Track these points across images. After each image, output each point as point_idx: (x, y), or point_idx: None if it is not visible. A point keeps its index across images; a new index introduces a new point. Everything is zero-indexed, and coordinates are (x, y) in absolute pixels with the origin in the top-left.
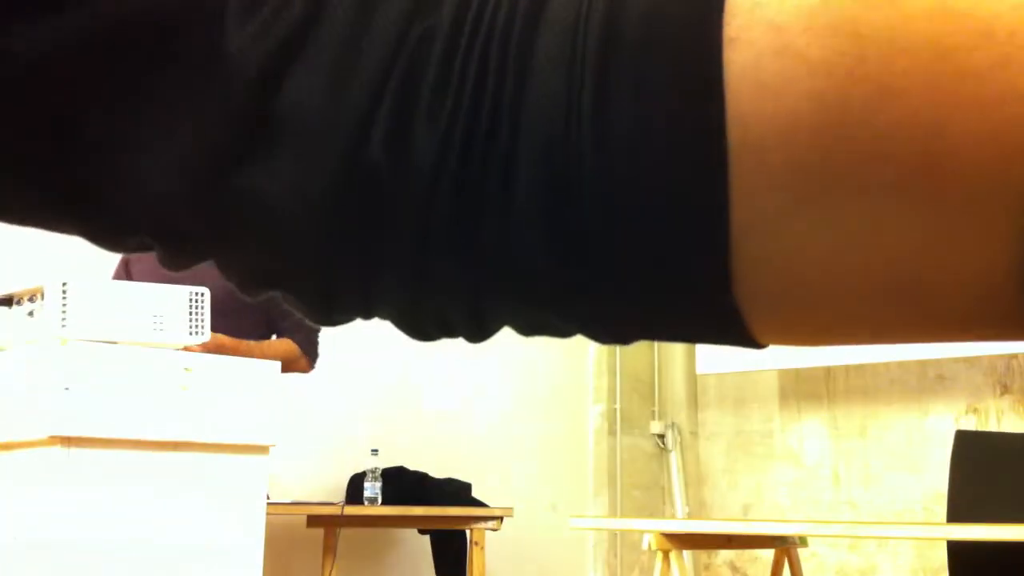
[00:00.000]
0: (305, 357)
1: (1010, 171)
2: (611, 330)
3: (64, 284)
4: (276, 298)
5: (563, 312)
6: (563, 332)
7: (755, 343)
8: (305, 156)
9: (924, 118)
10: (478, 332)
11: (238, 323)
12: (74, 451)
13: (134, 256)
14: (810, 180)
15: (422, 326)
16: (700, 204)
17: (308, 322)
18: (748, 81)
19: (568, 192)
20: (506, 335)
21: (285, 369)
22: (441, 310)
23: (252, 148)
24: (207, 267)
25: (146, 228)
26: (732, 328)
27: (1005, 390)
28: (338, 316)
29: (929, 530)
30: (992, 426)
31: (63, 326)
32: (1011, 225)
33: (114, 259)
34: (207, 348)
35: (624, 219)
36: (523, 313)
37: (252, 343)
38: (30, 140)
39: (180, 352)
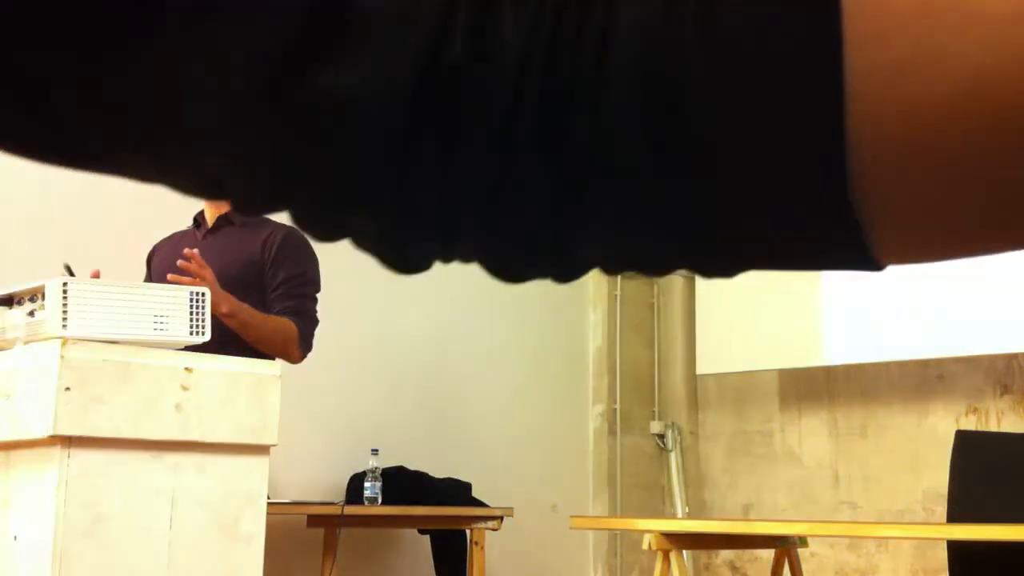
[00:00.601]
0: (300, 343)
1: None
2: (717, 253)
3: (65, 284)
4: (273, 281)
5: (664, 227)
6: (659, 264)
7: (873, 260)
8: (384, 52)
9: None
10: (565, 261)
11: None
12: (74, 451)
13: (156, 246)
14: (924, 31)
15: (506, 255)
16: (810, 69)
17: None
18: None
19: (670, 72)
20: (508, 336)
21: (276, 352)
22: (527, 231)
23: (328, 44)
24: (212, 252)
25: (214, 144)
26: (849, 231)
27: (1005, 390)
28: (414, 251)
29: (929, 530)
30: (992, 426)
31: (64, 326)
32: None
33: (114, 259)
34: (225, 311)
35: (730, 93)
36: (616, 234)
37: (259, 313)
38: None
39: (181, 352)
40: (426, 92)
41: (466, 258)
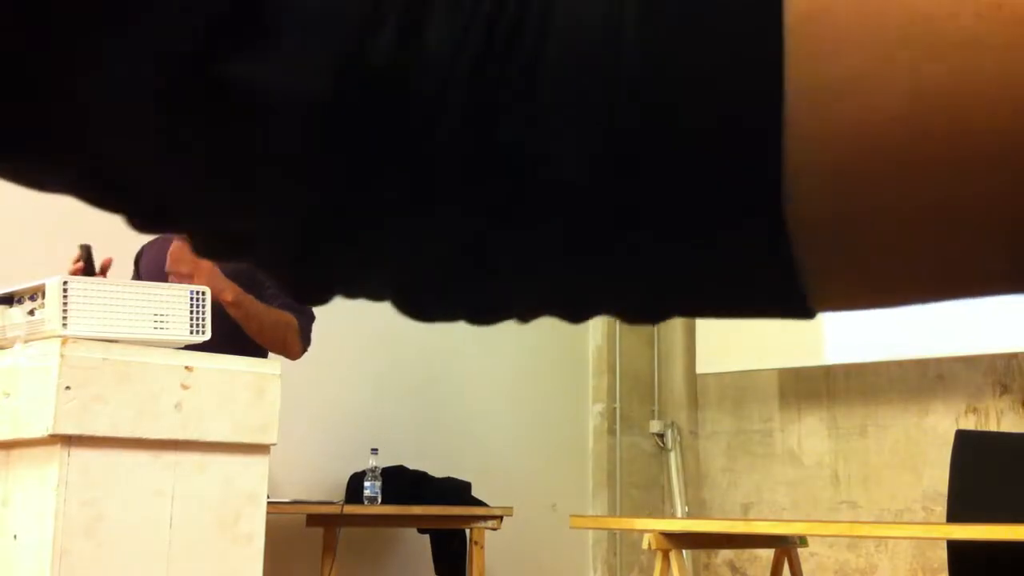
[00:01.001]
0: (300, 337)
1: None
2: (644, 292)
3: (65, 283)
4: (265, 283)
5: (588, 260)
6: (577, 308)
7: (806, 304)
8: (305, 44)
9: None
10: (480, 294)
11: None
12: (75, 450)
13: (144, 247)
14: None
15: (417, 289)
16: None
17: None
18: None
19: (605, 78)
20: (508, 336)
21: (278, 346)
22: (441, 254)
23: (243, 35)
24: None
25: (109, 147)
26: (784, 271)
27: (1005, 390)
28: (317, 276)
29: (929, 530)
30: (992, 426)
31: (64, 325)
32: None
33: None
34: (231, 300)
35: (666, 112)
36: (537, 265)
37: (262, 304)
38: None
39: (181, 351)
40: (348, 94)
41: (371, 289)
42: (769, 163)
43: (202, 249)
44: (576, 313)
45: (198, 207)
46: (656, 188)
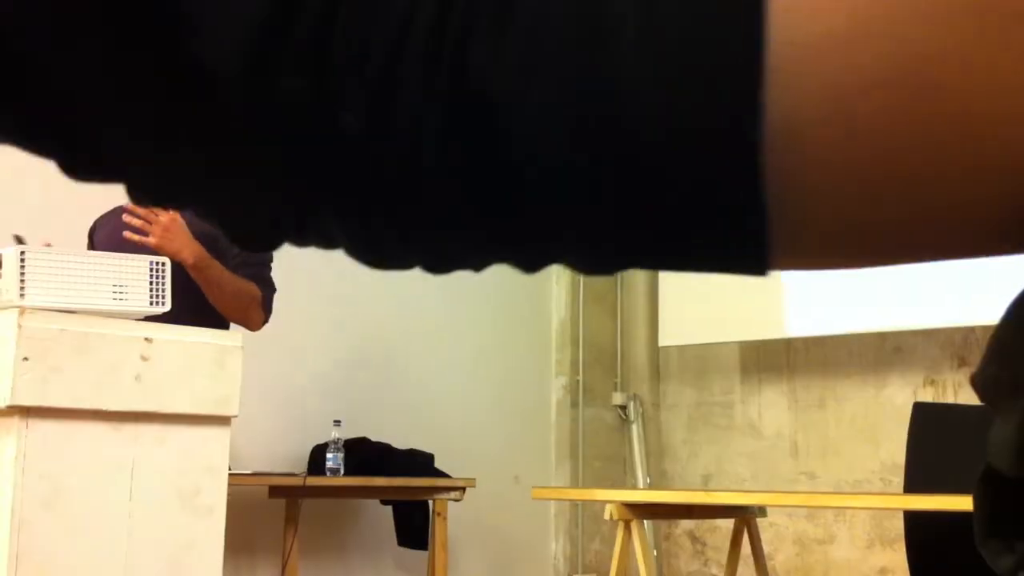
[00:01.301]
0: (262, 308)
1: None
2: (606, 249)
3: (22, 253)
4: (230, 249)
5: (548, 220)
6: (533, 259)
7: (765, 260)
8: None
9: None
10: (437, 242)
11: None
12: (33, 421)
13: (98, 220)
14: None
15: (369, 237)
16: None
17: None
18: None
19: (579, 27)
20: (472, 308)
21: (239, 315)
22: (398, 202)
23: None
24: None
25: (49, 91)
26: (753, 227)
27: (963, 363)
28: (266, 221)
29: (886, 500)
30: (949, 399)
31: (21, 295)
32: None
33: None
34: (191, 263)
35: (650, 68)
36: (495, 219)
37: (227, 271)
38: None
39: (140, 322)
40: (262, 69)
41: (321, 235)
42: (749, 121)
43: (139, 196)
44: (531, 264)
45: (138, 152)
46: (630, 145)
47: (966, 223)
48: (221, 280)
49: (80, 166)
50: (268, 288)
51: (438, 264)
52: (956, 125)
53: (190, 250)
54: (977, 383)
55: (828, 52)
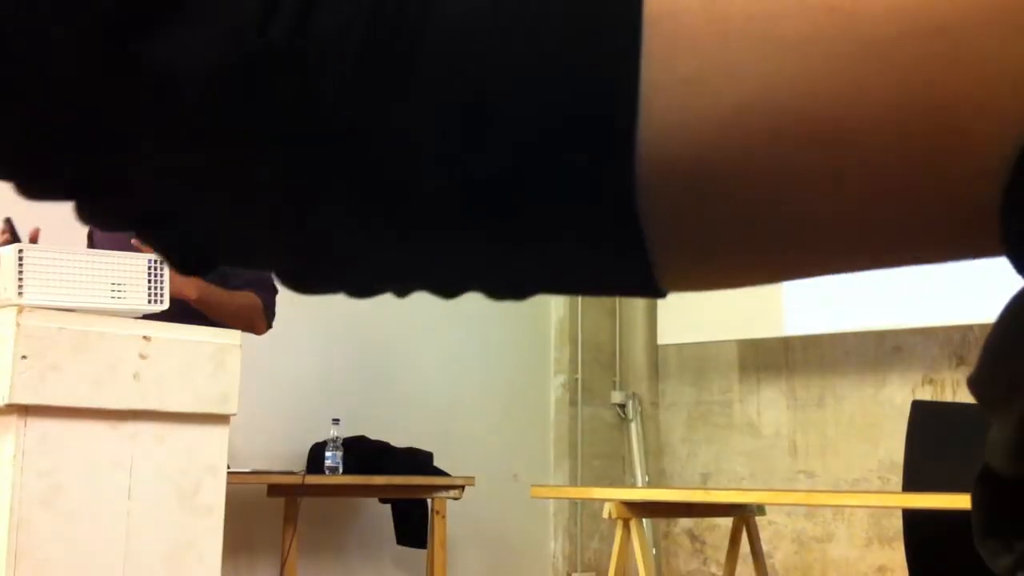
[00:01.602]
0: (266, 315)
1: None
2: (505, 278)
3: (21, 251)
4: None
5: (445, 242)
6: (447, 287)
7: (657, 285)
8: (209, 25)
9: None
10: (356, 268)
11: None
12: (31, 420)
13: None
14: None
15: (294, 261)
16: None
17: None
18: None
19: (471, 66)
20: (471, 307)
21: (243, 326)
22: (324, 226)
23: (153, 12)
24: None
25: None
26: (635, 251)
27: (961, 361)
28: (204, 249)
29: (884, 499)
30: (948, 397)
31: (20, 293)
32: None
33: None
34: (195, 298)
35: (528, 103)
36: (410, 244)
37: (224, 292)
38: None
39: (139, 321)
40: (245, 66)
41: (255, 261)
42: (623, 154)
43: (88, 218)
44: (446, 291)
45: (94, 175)
46: (513, 176)
47: (838, 238)
48: (222, 303)
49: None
50: (269, 292)
51: (360, 287)
52: (815, 147)
53: (192, 285)
54: (973, 385)
55: (695, 89)
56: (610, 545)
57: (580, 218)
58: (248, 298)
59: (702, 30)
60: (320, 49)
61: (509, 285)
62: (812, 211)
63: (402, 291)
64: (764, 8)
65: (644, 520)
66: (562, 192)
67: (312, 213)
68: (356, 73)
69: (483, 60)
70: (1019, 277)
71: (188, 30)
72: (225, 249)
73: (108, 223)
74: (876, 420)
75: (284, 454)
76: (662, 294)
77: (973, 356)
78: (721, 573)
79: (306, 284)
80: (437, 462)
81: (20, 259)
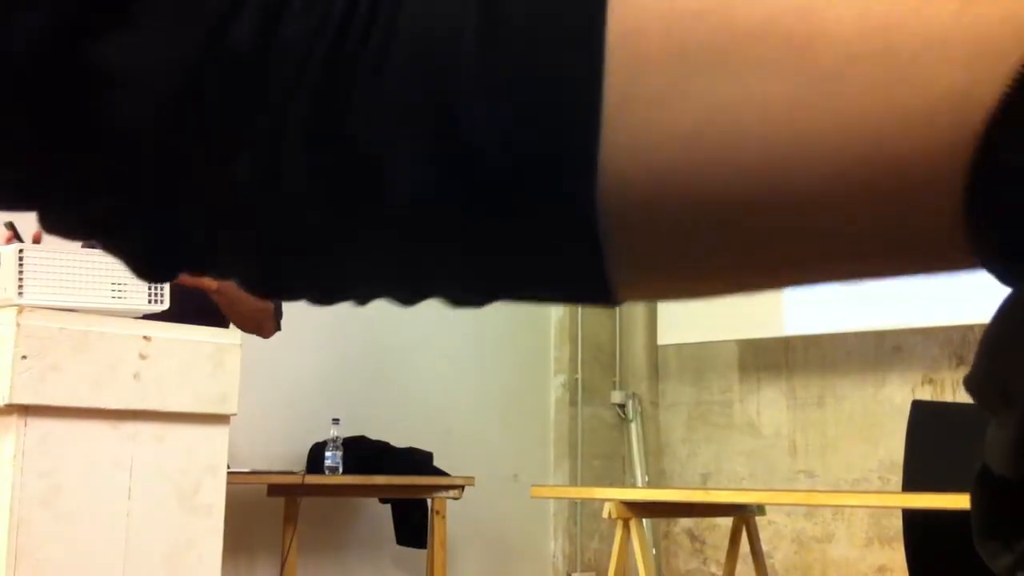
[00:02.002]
0: (275, 319)
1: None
2: (472, 279)
3: (21, 251)
4: None
5: (419, 244)
6: (409, 295)
7: (612, 295)
8: (166, 29)
9: None
10: (317, 277)
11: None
12: (31, 420)
13: None
14: (689, 58)
15: (258, 268)
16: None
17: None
18: None
19: (438, 85)
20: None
21: (252, 328)
22: (283, 237)
23: (111, 16)
24: None
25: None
26: (593, 261)
27: (961, 361)
28: (167, 259)
29: (884, 499)
30: (948, 397)
31: (20, 294)
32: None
33: None
34: (215, 288)
35: (498, 115)
36: (370, 252)
37: (242, 291)
38: None
39: (139, 321)
40: (207, 72)
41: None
42: (585, 172)
43: (50, 227)
44: (406, 300)
45: (47, 183)
46: (476, 191)
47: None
48: (241, 299)
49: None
50: (279, 311)
51: (322, 295)
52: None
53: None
54: (970, 387)
55: (655, 110)
56: (610, 545)
57: (540, 233)
58: (261, 301)
59: (663, 51)
60: (283, 56)
61: (467, 293)
62: (766, 234)
63: (363, 299)
64: (723, 32)
65: (644, 520)
66: (524, 207)
67: (278, 216)
68: (317, 83)
69: (449, 76)
70: None
71: (148, 34)
72: (187, 251)
73: (63, 230)
74: (876, 420)
75: (284, 454)
76: (616, 303)
77: (973, 356)
78: (721, 573)
79: (269, 288)
80: (437, 462)
81: (20, 259)
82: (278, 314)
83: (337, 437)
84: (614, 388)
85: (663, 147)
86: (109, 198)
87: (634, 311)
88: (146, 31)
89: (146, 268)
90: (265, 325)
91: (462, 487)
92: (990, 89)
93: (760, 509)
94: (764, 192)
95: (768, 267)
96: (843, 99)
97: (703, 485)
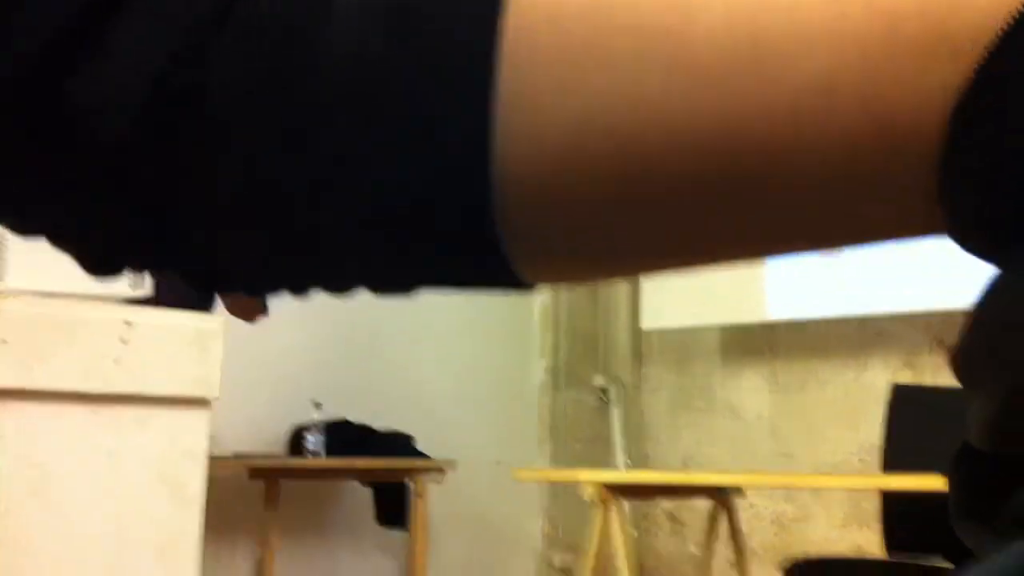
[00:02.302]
0: (263, 307)
1: None
2: (351, 277)
3: (0, 234)
4: None
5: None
6: (299, 287)
7: (519, 279)
8: (122, 62)
9: None
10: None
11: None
12: (12, 404)
13: None
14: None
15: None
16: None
17: None
18: None
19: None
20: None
21: (240, 312)
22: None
23: (75, 52)
24: None
25: None
26: (491, 246)
27: (941, 346)
28: (114, 252)
29: (862, 480)
30: (927, 381)
31: (0, 278)
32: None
33: None
34: None
35: (381, 102)
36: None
37: None
38: None
39: (120, 305)
40: (153, 108)
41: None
42: (479, 167)
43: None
44: (337, 291)
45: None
46: (372, 181)
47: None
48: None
49: None
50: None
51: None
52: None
53: None
54: (954, 364)
55: (544, 104)
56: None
57: (442, 229)
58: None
59: (550, 45)
60: (217, 88)
61: (385, 286)
62: (655, 224)
63: (298, 290)
64: (604, 27)
65: (625, 502)
66: (420, 202)
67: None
68: (248, 112)
69: (368, 88)
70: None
71: (108, 68)
72: (147, 250)
73: (31, 232)
74: (857, 404)
75: (265, 437)
76: (529, 287)
77: (953, 341)
78: (700, 554)
79: (214, 284)
80: (420, 445)
81: (0, 243)
82: (267, 303)
83: (319, 421)
84: (597, 372)
85: (553, 142)
86: (70, 215)
87: (617, 297)
88: (111, 64)
89: (94, 265)
90: (256, 310)
91: (443, 470)
92: (851, 78)
93: (739, 491)
94: (649, 183)
95: (666, 251)
96: (714, 89)
97: (684, 468)
